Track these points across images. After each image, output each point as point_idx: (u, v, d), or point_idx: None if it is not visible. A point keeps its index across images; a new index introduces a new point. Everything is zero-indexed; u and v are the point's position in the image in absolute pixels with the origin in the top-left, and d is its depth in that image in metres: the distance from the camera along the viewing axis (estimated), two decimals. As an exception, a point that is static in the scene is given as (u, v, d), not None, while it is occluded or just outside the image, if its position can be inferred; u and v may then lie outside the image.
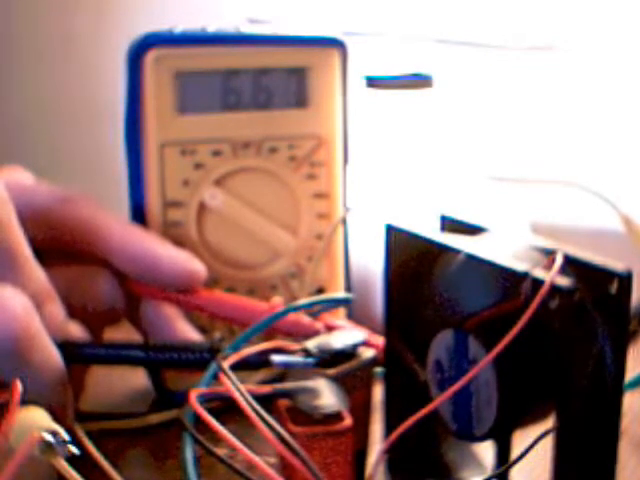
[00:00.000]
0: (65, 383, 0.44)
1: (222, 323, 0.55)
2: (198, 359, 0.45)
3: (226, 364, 0.40)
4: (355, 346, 0.45)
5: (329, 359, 0.43)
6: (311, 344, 0.44)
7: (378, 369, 0.48)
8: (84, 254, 0.51)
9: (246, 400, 0.38)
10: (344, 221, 0.56)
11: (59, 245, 0.51)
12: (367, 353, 0.45)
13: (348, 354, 0.44)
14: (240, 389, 0.39)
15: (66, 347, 0.45)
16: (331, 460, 0.39)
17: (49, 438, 0.38)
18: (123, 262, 0.50)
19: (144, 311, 0.52)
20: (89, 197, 0.52)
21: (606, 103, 0.84)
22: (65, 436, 0.38)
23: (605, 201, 0.62)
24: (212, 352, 0.45)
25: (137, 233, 0.51)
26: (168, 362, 0.46)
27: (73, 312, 0.48)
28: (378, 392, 0.48)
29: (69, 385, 0.45)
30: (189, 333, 0.52)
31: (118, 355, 0.46)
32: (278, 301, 0.50)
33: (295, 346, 0.44)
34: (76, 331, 0.47)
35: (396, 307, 0.45)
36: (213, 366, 0.41)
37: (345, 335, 0.45)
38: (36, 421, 0.39)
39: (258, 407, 0.38)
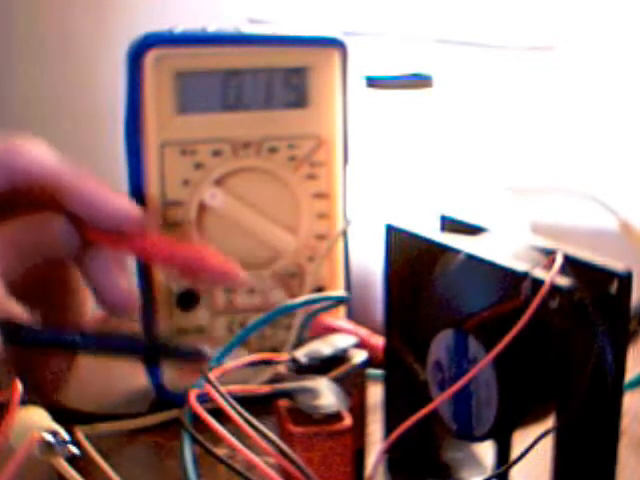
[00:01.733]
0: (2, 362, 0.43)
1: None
2: (127, 346, 0.44)
3: (213, 375, 0.40)
4: (345, 350, 0.44)
5: (320, 366, 0.43)
6: (300, 353, 0.43)
7: (375, 370, 0.48)
8: (35, 202, 0.49)
9: (235, 410, 0.38)
10: (344, 234, 0.56)
11: (6, 198, 0.49)
12: (358, 356, 0.44)
13: (339, 359, 0.44)
14: (229, 400, 0.38)
15: (5, 327, 0.43)
16: (331, 460, 0.39)
17: (49, 438, 0.38)
18: (73, 199, 0.49)
19: (90, 258, 0.50)
20: (30, 140, 0.51)
21: (606, 104, 0.84)
22: (65, 436, 0.38)
23: (604, 206, 0.62)
24: (137, 342, 0.44)
25: (84, 174, 0.50)
26: (101, 349, 0.45)
27: (28, 257, 0.47)
28: (377, 392, 0.48)
29: (9, 365, 0.43)
30: (120, 283, 0.50)
31: (56, 340, 0.45)
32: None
33: (283, 356, 0.44)
34: (18, 310, 0.45)
35: (396, 307, 0.45)
36: (201, 375, 0.40)
37: (335, 340, 0.45)
38: (36, 421, 0.39)
39: (247, 415, 0.38)
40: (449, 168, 0.68)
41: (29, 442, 0.37)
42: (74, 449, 0.38)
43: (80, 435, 0.45)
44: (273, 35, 0.54)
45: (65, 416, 0.54)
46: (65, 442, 0.37)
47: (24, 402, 0.39)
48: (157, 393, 0.56)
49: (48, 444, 0.37)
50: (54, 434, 0.38)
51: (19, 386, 0.38)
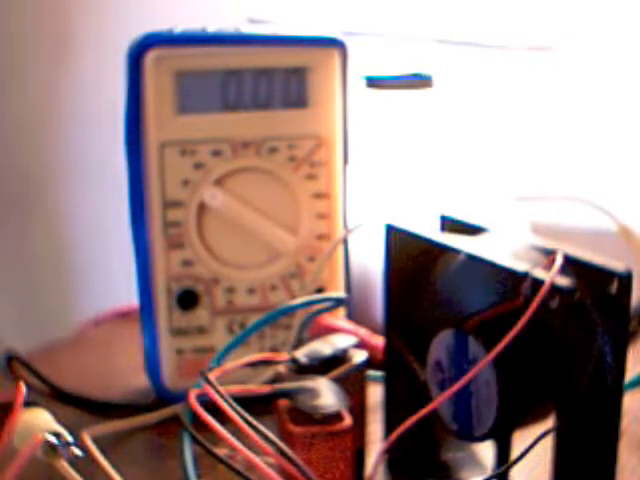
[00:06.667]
0: None
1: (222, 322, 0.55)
2: None
3: (213, 375, 0.40)
4: (345, 350, 0.44)
5: (320, 366, 0.43)
6: (300, 353, 0.43)
7: (375, 370, 0.48)
8: None
9: (235, 411, 0.38)
10: (345, 241, 0.56)
11: None
12: (358, 356, 0.44)
13: (339, 359, 0.44)
14: (228, 400, 0.38)
15: None
16: (331, 460, 0.39)
17: (52, 440, 0.38)
18: None
19: None
20: None
21: (606, 105, 0.84)
22: (68, 438, 0.38)
23: (604, 212, 0.62)
24: None
25: None
26: None
27: None
28: (377, 392, 0.48)
29: None
30: None
31: None
32: None
33: (283, 356, 0.44)
34: None
35: (396, 307, 0.45)
36: (201, 375, 0.40)
37: (335, 340, 0.45)
38: (39, 423, 0.39)
39: (247, 415, 0.38)
40: (449, 168, 0.68)
41: (32, 444, 0.37)
42: (77, 451, 0.38)
43: (85, 436, 0.45)
44: (273, 35, 0.54)
45: (71, 402, 0.54)
46: (68, 444, 0.37)
47: (27, 404, 0.39)
48: (157, 393, 0.56)
49: (51, 446, 0.37)
50: (57, 436, 0.38)
51: (23, 388, 0.38)
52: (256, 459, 0.36)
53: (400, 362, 0.45)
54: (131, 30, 0.54)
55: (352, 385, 0.43)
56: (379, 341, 0.52)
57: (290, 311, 0.49)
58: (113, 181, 0.62)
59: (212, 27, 0.54)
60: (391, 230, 0.45)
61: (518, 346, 0.37)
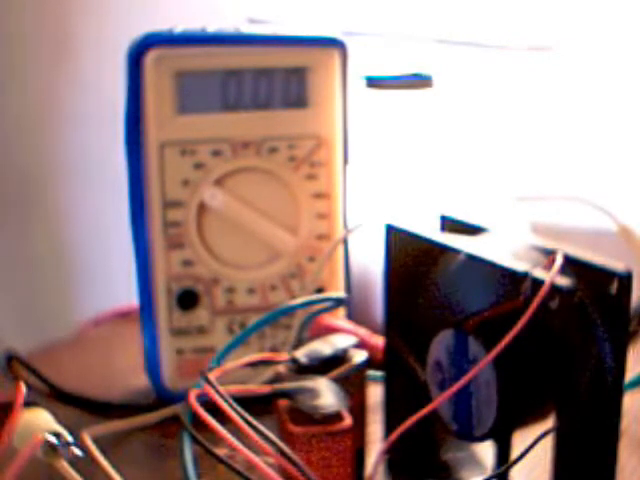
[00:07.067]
0: None
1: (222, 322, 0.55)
2: None
3: (213, 375, 0.40)
4: (345, 350, 0.44)
5: (320, 366, 0.43)
6: (300, 353, 0.43)
7: (375, 370, 0.48)
8: None
9: (235, 411, 0.38)
10: (345, 241, 0.56)
11: None
12: (358, 356, 0.44)
13: (339, 359, 0.44)
14: (228, 400, 0.38)
15: None
16: (331, 460, 0.39)
17: (52, 440, 0.38)
18: None
19: None
20: None
21: (605, 105, 0.84)
22: (68, 438, 0.38)
23: (604, 212, 0.62)
24: None
25: None
26: None
27: None
28: (377, 392, 0.48)
29: None
30: None
31: None
32: None
33: (283, 356, 0.44)
34: None
35: (396, 307, 0.45)
36: (201, 375, 0.40)
37: (335, 340, 0.45)
38: (40, 423, 0.39)
39: (247, 415, 0.38)
40: (449, 168, 0.68)
41: (32, 444, 0.37)
42: (77, 451, 0.38)
43: (85, 436, 0.45)
44: (273, 35, 0.54)
45: (71, 402, 0.54)
46: (68, 444, 0.37)
47: (27, 404, 0.39)
48: (157, 393, 0.56)
49: (51, 446, 0.37)
50: (57, 436, 0.38)
51: (23, 388, 0.38)
52: (256, 459, 0.36)
53: (400, 362, 0.45)
54: (131, 30, 0.54)
55: (352, 385, 0.43)
56: (379, 341, 0.52)
57: (290, 311, 0.49)
58: (113, 181, 0.62)
59: (212, 27, 0.54)
60: (391, 230, 0.45)
61: (518, 346, 0.37)
